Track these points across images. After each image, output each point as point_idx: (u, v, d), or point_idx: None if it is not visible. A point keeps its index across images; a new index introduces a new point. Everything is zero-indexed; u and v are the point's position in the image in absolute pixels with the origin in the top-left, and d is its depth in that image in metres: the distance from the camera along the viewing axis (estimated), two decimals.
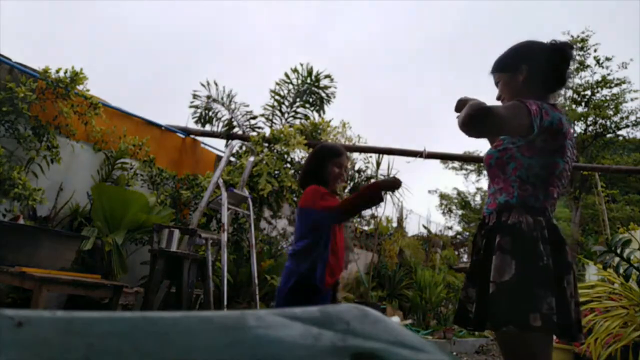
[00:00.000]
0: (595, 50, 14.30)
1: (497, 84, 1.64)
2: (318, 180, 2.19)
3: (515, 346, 1.35)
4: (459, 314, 1.54)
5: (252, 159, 4.30)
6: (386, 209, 11.71)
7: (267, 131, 5.75)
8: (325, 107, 6.23)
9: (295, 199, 5.47)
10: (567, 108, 14.34)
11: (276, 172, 5.16)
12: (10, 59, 4.06)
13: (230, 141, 5.69)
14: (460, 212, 20.14)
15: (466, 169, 19.61)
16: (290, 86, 6.17)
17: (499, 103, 1.65)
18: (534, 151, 1.42)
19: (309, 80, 6.11)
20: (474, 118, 1.32)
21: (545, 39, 1.61)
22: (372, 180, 7.15)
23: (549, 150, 1.43)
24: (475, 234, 1.60)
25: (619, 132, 15.13)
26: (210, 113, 6.08)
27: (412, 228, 12.36)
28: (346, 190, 6.59)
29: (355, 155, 6.64)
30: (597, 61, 14.36)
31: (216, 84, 6.03)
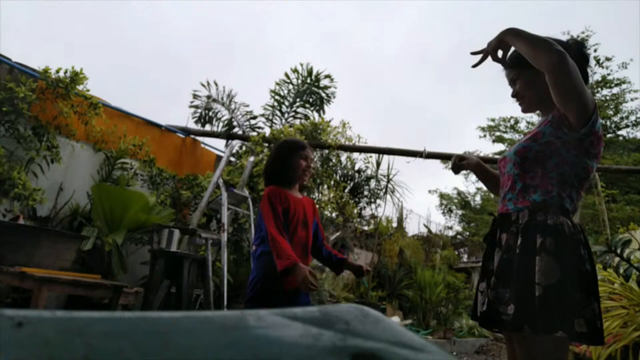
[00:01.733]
0: (595, 50, 14.33)
1: (513, 81, 1.56)
2: (284, 175, 2.14)
3: (541, 350, 1.30)
4: (487, 316, 1.44)
5: (252, 159, 4.30)
6: (386, 209, 11.72)
7: (267, 131, 5.76)
8: (326, 107, 6.23)
9: None
10: None
11: None
12: (10, 59, 4.06)
13: (230, 141, 5.69)
14: (460, 212, 20.13)
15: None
16: (290, 86, 6.17)
17: (515, 102, 1.59)
18: (580, 150, 1.38)
19: (309, 80, 6.11)
20: (562, 57, 1.28)
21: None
22: (372, 181, 7.15)
23: (591, 153, 1.39)
24: (493, 229, 1.52)
25: (619, 132, 15.15)
26: (210, 113, 6.08)
27: (412, 228, 12.38)
28: (346, 190, 6.59)
29: (355, 155, 6.64)
30: (597, 61, 14.39)
31: (216, 84, 6.04)
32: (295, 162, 2.14)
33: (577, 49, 1.49)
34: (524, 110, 1.59)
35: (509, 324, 1.33)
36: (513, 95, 1.59)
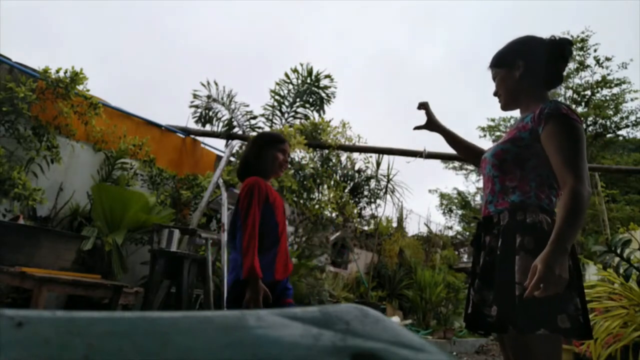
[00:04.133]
0: (595, 50, 14.33)
1: (494, 79, 1.61)
2: (260, 168, 2.08)
3: (532, 349, 1.29)
4: (473, 319, 1.45)
5: None
6: (386, 209, 11.72)
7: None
8: (326, 107, 6.23)
9: (295, 198, 5.46)
10: None
11: None
12: (10, 59, 4.06)
13: (230, 141, 5.69)
14: (460, 212, 20.12)
15: (466, 169, 19.60)
16: (290, 86, 6.17)
17: (496, 99, 1.63)
18: None
19: (309, 80, 6.12)
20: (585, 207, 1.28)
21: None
22: (372, 181, 7.15)
23: None
24: (477, 233, 1.54)
25: (619, 132, 15.15)
26: (211, 113, 6.08)
27: (412, 228, 12.36)
28: (346, 190, 6.59)
29: (355, 155, 6.65)
30: (597, 61, 14.39)
31: (216, 84, 6.03)
32: (273, 155, 2.09)
33: (554, 48, 1.50)
34: (502, 108, 1.63)
35: (493, 325, 1.35)
36: (494, 94, 1.63)
